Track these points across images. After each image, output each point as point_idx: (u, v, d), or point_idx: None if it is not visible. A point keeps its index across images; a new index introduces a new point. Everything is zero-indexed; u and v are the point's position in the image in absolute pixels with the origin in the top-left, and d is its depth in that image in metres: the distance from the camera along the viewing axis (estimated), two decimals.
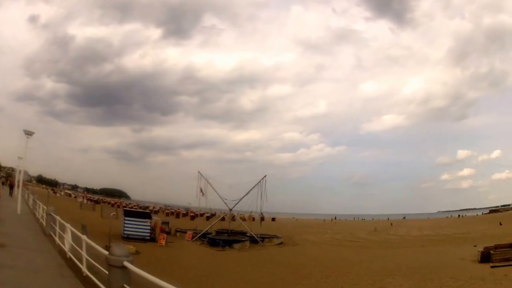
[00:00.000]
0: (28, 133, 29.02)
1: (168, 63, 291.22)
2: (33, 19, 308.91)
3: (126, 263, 6.89)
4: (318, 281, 22.75)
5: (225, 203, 48.46)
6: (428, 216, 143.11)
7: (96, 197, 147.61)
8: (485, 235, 48.54)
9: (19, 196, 32.32)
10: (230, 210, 49.51)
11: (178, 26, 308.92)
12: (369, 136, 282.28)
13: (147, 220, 37.32)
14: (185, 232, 44.22)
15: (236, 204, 48.25)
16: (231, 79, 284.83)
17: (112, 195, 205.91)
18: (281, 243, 45.50)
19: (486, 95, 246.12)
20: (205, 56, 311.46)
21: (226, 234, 45.36)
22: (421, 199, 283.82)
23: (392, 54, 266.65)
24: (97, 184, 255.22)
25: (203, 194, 46.75)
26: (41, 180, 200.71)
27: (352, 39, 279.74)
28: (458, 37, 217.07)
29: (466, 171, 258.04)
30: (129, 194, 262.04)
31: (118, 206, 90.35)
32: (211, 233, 45.88)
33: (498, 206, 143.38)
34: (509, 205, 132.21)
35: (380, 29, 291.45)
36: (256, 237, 43.92)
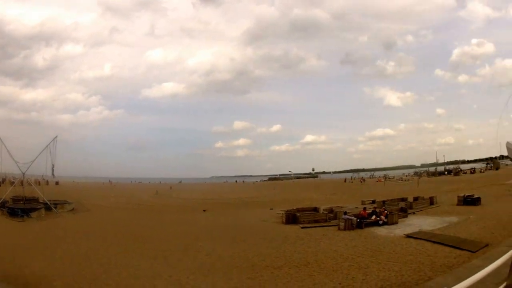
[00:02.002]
0: None
1: None
2: None
3: None
4: (129, 248, 23.07)
5: (18, 166, 45.15)
6: (202, 181, 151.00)
7: None
8: (273, 200, 53.88)
9: None
10: (23, 174, 46.18)
11: None
12: (147, 101, 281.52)
13: None
14: None
15: (29, 167, 45.24)
16: (32, 35, 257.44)
17: None
18: (73, 209, 44.36)
19: (274, 74, 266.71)
20: (15, 9, 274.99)
21: (21, 201, 42.35)
22: (195, 165, 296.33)
23: (187, 27, 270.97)
24: None
25: None
26: None
27: (152, 7, 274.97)
28: (260, 20, 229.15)
29: (242, 141, 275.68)
30: None
31: None
32: (7, 201, 42.11)
33: (277, 175, 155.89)
34: (289, 174, 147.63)
35: (183, 2, 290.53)
36: (49, 204, 41.90)
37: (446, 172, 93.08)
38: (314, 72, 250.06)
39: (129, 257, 20.62)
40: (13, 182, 52.50)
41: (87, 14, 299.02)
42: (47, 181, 58.10)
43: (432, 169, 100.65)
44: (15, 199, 43.94)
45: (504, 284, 4.95)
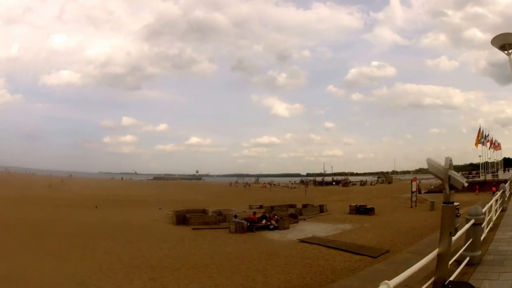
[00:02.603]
0: None
1: None
2: None
3: None
4: (29, 244, 20.75)
5: None
6: (90, 175, 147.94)
7: None
8: (160, 200, 53.54)
9: None
10: None
11: None
12: (45, 88, 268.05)
13: None
14: None
15: None
16: None
17: None
18: None
19: (166, 74, 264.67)
20: None
21: None
22: (83, 158, 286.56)
23: (93, 15, 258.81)
24: None
25: None
26: None
27: None
28: (161, 17, 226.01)
29: (129, 138, 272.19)
30: None
31: None
32: None
33: (161, 174, 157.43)
34: (174, 175, 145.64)
35: None
36: None
37: (334, 183, 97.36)
38: (205, 75, 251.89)
39: (31, 254, 18.50)
40: None
41: None
42: None
43: (319, 178, 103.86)
44: None
45: (433, 278, 5.52)
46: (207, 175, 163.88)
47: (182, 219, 30.26)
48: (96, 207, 41.87)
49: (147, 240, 23.31)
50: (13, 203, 41.13)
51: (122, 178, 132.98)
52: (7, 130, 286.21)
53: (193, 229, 27.39)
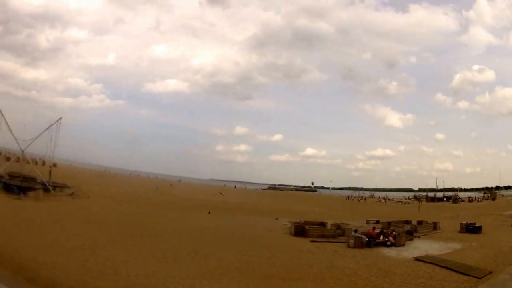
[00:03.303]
0: None
1: None
2: None
3: None
4: (135, 244, 22.18)
5: (18, 143, 44.44)
6: (200, 181, 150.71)
7: None
8: (276, 210, 53.45)
9: None
10: (23, 151, 45.64)
11: None
12: (150, 95, 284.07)
13: None
14: None
15: (29, 145, 44.77)
16: (36, 14, 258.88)
17: None
18: (72, 193, 43.87)
19: (277, 83, 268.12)
20: None
21: (18, 178, 41.78)
22: (193, 164, 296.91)
23: (193, 25, 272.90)
24: None
25: None
26: None
27: (158, 2, 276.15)
28: (265, 28, 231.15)
29: (243, 147, 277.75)
30: None
31: None
32: (3, 176, 41.72)
33: (275, 184, 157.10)
34: (289, 185, 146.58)
35: (190, 1, 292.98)
36: (48, 185, 41.55)
37: (444, 199, 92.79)
38: (315, 85, 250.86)
39: (136, 253, 19.80)
40: (9, 158, 51.62)
41: (92, 1, 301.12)
42: (44, 162, 57.18)
43: (431, 194, 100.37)
44: (12, 175, 43.28)
45: None
46: (322, 187, 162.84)
47: (300, 230, 30.40)
48: (209, 212, 42.63)
49: (263, 249, 23.61)
50: (119, 204, 43.92)
51: (235, 186, 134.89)
52: (109, 133, 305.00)
53: (311, 241, 27.74)
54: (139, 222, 31.58)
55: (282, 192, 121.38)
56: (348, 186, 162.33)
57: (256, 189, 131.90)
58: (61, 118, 44.51)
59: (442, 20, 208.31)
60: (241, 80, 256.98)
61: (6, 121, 42.17)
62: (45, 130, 43.72)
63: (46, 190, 40.42)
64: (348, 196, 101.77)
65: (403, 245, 27.78)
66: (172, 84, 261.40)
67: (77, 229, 24.43)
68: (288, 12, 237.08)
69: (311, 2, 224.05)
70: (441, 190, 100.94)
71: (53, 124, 43.72)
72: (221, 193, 40.62)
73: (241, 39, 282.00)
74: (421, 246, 27.74)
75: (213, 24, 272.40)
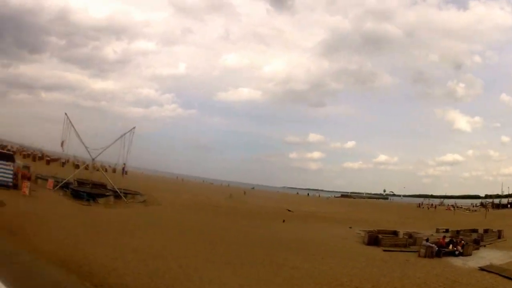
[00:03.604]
0: None
1: (49, 1, 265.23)
2: None
3: None
4: (208, 251, 22.34)
5: (88, 151, 45.55)
6: (273, 189, 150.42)
7: None
8: (350, 218, 52.90)
9: None
10: (93, 159, 47.30)
11: None
12: (222, 104, 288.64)
13: (10, 163, 33.75)
14: (46, 180, 41.16)
15: (100, 153, 45.96)
16: (100, 27, 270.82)
17: None
18: (144, 201, 44.69)
19: (349, 89, 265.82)
20: (82, 0, 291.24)
21: (88, 185, 43.42)
22: (267, 172, 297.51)
23: (262, 33, 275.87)
24: None
25: (62, 145, 42.91)
26: None
27: (225, 11, 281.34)
28: (334, 33, 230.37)
29: (316, 154, 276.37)
30: None
31: None
32: (71, 182, 43.18)
33: (348, 192, 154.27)
34: (361, 193, 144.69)
35: (256, 8, 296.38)
36: (119, 192, 42.57)
37: (509, 205, 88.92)
38: (386, 89, 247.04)
39: (210, 261, 19.85)
40: (78, 166, 53.74)
41: (158, 12, 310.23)
42: (114, 169, 59.31)
43: (496, 200, 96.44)
44: (80, 182, 44.87)
45: None
46: (393, 195, 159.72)
47: (374, 239, 30.53)
48: (284, 221, 42.43)
49: (336, 258, 23.70)
50: (191, 211, 44.40)
51: (308, 194, 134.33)
52: (181, 141, 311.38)
53: (384, 250, 27.76)
54: (212, 229, 32.00)
55: (354, 200, 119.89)
56: (418, 193, 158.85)
57: (329, 197, 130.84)
58: (134, 127, 45.49)
59: (499, 15, 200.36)
60: (314, 87, 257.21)
61: (75, 130, 43.62)
62: (118, 139, 44.73)
63: (117, 197, 41.29)
64: (419, 203, 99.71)
65: (470, 254, 27.44)
66: (245, 93, 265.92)
67: (148, 236, 24.73)
68: (355, 15, 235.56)
69: (376, 3, 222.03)
70: (506, 196, 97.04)
71: (126, 133, 44.79)
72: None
73: (311, 45, 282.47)
74: (486, 256, 27.38)
75: (282, 31, 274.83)
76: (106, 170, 52.81)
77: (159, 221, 33.15)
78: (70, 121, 43.33)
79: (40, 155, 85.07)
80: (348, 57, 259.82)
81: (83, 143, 44.65)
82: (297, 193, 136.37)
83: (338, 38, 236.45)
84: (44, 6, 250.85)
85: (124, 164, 47.94)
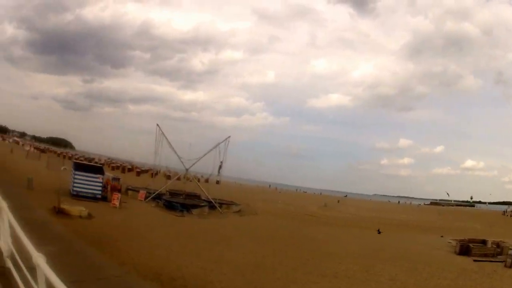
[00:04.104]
0: None
1: (127, 17, 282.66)
2: None
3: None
4: (305, 262, 21.62)
5: (182, 162, 45.51)
6: (365, 197, 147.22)
7: (42, 146, 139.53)
8: (440, 226, 51.46)
9: None
10: (187, 170, 47.07)
11: None
12: (313, 111, 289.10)
13: (99, 176, 33.62)
14: (137, 191, 41.40)
15: (194, 163, 45.72)
16: (186, 39, 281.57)
17: (58, 145, 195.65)
18: (239, 210, 43.92)
19: (435, 92, 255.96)
20: (164, 14, 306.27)
21: (181, 196, 43.36)
22: (358, 179, 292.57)
23: (347, 38, 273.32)
24: (44, 133, 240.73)
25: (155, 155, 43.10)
26: None
27: (310, 17, 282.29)
28: (417, 34, 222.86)
29: (406, 160, 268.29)
30: (73, 144, 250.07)
31: (64, 157, 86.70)
32: (164, 194, 43.34)
33: (437, 200, 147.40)
34: (450, 200, 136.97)
35: (340, 13, 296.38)
36: (214, 202, 41.85)
37: None
38: (470, 91, 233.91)
39: (308, 273, 19.31)
40: (169, 176, 53.01)
41: (242, 22, 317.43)
42: (207, 179, 58.48)
43: None
44: (173, 193, 44.90)
45: None
46: (479, 202, 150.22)
47: (464, 249, 29.33)
48: (379, 231, 40.66)
49: (430, 268, 22.81)
50: (287, 220, 43.28)
51: (398, 202, 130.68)
52: (272, 149, 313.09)
53: (474, 260, 26.53)
54: (309, 239, 31.08)
55: (443, 207, 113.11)
56: (502, 200, 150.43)
57: (419, 204, 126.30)
58: (229, 136, 45.10)
59: None
60: (401, 91, 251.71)
61: (168, 140, 43.91)
62: (212, 148, 44.69)
63: (211, 207, 40.78)
64: (503, 211, 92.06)
65: None
66: (335, 99, 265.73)
67: (244, 247, 24.17)
68: (435, 15, 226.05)
69: (454, 2, 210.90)
70: None
71: (221, 142, 44.48)
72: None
73: (396, 48, 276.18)
74: None
75: (367, 35, 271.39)
76: (199, 180, 51.34)
77: (255, 231, 32.61)
78: (162, 132, 43.66)
79: (129, 166, 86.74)
80: (432, 59, 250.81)
81: (176, 153, 44.85)
82: (388, 201, 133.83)
83: (421, 40, 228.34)
84: (124, 22, 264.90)
85: (221, 163, 45.80)
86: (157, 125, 43.53)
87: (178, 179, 51.91)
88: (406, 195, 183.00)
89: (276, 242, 27.17)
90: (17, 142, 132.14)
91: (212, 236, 27.14)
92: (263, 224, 37.82)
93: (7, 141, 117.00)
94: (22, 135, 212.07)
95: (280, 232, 33.65)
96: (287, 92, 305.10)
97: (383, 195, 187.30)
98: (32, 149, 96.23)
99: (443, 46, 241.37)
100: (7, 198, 7.58)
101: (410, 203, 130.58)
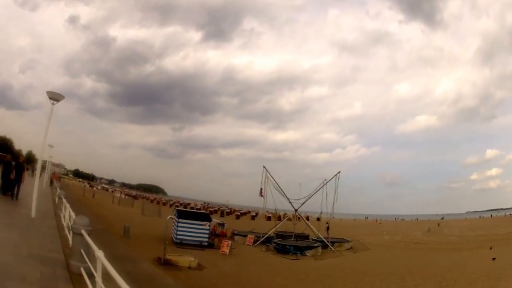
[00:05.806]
0: (54, 98, 17.80)
1: (209, 64, 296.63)
2: (73, 20, 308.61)
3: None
4: None
5: (291, 202, 44.55)
6: (458, 216, 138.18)
7: (133, 192, 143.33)
8: None
9: (35, 195, 17.73)
10: (296, 210, 45.77)
11: (217, 28, 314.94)
12: (403, 137, 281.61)
13: (205, 223, 32.72)
14: (244, 236, 40.22)
15: (303, 203, 44.97)
16: (270, 81, 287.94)
17: (149, 191, 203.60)
18: (351, 247, 42.05)
19: (509, 95, 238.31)
20: (245, 58, 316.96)
21: (291, 238, 41.66)
22: (449, 199, 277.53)
23: (425, 55, 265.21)
24: (133, 180, 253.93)
25: (261, 194, 42.32)
26: (78, 174, 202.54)
27: (386, 41, 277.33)
28: (485, 36, 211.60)
29: (494, 171, 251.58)
30: (165, 190, 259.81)
31: (158, 203, 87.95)
32: (272, 237, 41.50)
33: None
34: None
35: (413, 31, 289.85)
36: (326, 242, 40.17)
37: None
38: None
39: None
40: (269, 217, 51.25)
41: (323, 56, 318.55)
42: (318, 218, 56.07)
43: None
44: (280, 235, 43.45)
45: None
46: None
47: None
48: (490, 248, 37.17)
49: None
50: (400, 252, 40.94)
51: (491, 215, 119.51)
52: (366, 180, 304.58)
53: None
54: (430, 268, 28.14)
55: None
56: None
57: (509, 214, 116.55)
58: (339, 172, 44.04)
59: None
60: (482, 100, 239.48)
61: (275, 182, 43.22)
62: (322, 186, 43.86)
63: (323, 246, 39.11)
64: None
65: None
66: (422, 121, 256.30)
67: (377, 285, 22.46)
68: (495, 12, 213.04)
69: None
70: None
71: (331, 178, 43.60)
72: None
73: (470, 56, 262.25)
74: None
75: (441, 49, 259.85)
76: (308, 219, 48.77)
77: (378, 267, 29.91)
78: (269, 173, 43.09)
79: (227, 210, 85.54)
80: (504, 60, 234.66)
81: (284, 194, 44.03)
82: (480, 216, 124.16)
83: (490, 42, 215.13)
84: (207, 69, 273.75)
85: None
86: (264, 167, 42.99)
87: (289, 219, 49.95)
88: (496, 207, 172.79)
89: (407, 276, 24.63)
90: (106, 189, 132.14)
91: (339, 278, 24.74)
92: (381, 258, 35.39)
93: (94, 188, 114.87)
94: (111, 182, 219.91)
95: (403, 264, 31.17)
96: (375, 121, 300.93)
97: (475, 211, 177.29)
98: (123, 195, 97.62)
99: (509, 44, 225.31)
100: (106, 248, 6.86)
101: (504, 215, 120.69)
